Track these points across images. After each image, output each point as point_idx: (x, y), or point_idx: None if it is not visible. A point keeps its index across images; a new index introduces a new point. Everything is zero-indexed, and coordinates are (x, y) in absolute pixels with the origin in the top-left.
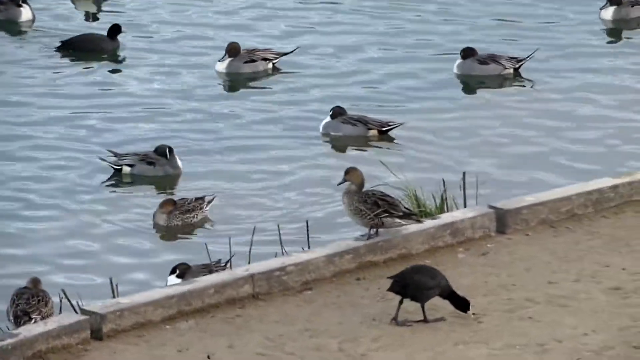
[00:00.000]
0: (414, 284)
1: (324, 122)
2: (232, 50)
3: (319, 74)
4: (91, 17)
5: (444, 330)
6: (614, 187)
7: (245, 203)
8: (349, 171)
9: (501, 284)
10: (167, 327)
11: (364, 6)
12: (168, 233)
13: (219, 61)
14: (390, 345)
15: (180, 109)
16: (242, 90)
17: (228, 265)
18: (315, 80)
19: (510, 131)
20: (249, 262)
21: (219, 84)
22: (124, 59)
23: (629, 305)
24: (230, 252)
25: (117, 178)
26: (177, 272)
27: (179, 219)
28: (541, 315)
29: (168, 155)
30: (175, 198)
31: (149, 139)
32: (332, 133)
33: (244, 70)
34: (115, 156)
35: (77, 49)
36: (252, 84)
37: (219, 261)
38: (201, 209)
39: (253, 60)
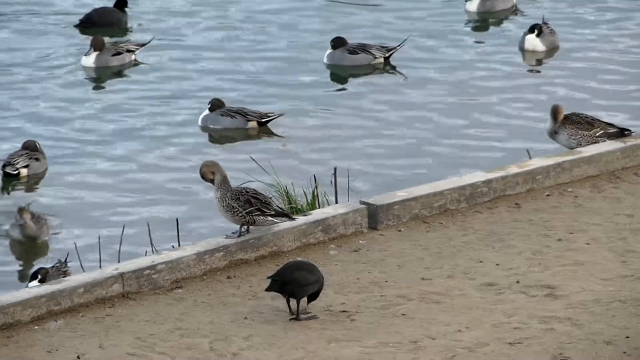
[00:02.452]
0: (294, 281)
1: (202, 114)
2: (98, 44)
3: (183, 68)
4: None
5: (316, 328)
6: (487, 182)
7: (115, 199)
8: (202, 173)
9: (374, 281)
10: (37, 327)
11: None
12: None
13: (85, 55)
14: (262, 344)
15: (46, 106)
16: (111, 82)
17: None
18: (183, 73)
19: (382, 123)
20: (118, 261)
21: (87, 78)
22: None
23: (503, 302)
24: (99, 251)
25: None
26: (39, 276)
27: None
28: (414, 312)
29: (39, 149)
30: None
31: (9, 138)
32: (211, 126)
33: (113, 63)
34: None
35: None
36: (121, 77)
37: (64, 262)
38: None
39: (119, 53)
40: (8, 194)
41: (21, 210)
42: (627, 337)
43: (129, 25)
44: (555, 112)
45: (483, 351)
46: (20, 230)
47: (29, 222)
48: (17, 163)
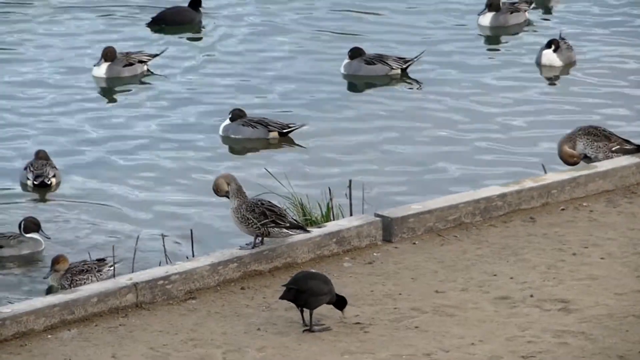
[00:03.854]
0: (308, 290)
1: (223, 124)
2: (109, 54)
3: (192, 81)
4: None
5: (330, 340)
6: (502, 196)
7: (130, 209)
8: (216, 187)
9: (387, 293)
10: (50, 336)
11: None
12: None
13: (95, 66)
14: (275, 355)
15: (56, 112)
16: (123, 94)
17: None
18: (200, 84)
19: (398, 135)
20: (132, 271)
21: (98, 89)
22: None
23: (517, 315)
24: (113, 260)
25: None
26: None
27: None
28: (428, 325)
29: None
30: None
31: (25, 147)
32: (232, 136)
33: (124, 74)
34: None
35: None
36: (132, 87)
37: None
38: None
39: (131, 64)
40: (44, 203)
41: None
42: None
43: (203, 24)
44: (563, 158)
45: None
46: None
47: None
48: (48, 174)
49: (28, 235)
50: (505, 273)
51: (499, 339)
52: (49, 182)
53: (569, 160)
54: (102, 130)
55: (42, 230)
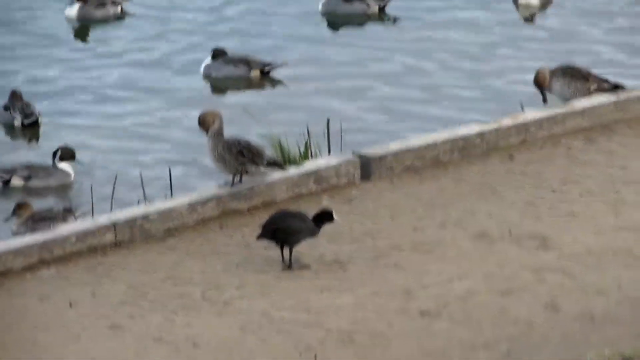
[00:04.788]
0: (287, 228)
1: (204, 63)
2: None
3: (168, 20)
4: None
5: (309, 277)
6: (481, 134)
7: (108, 149)
8: (202, 120)
9: (366, 232)
10: (28, 275)
11: None
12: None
13: (68, 6)
14: (254, 293)
15: (27, 54)
16: (98, 34)
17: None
18: (176, 23)
19: (377, 75)
20: (111, 210)
21: (71, 29)
22: None
23: (495, 252)
24: (92, 200)
25: None
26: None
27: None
28: (407, 262)
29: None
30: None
31: None
32: (214, 74)
33: (96, 15)
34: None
35: None
36: (108, 28)
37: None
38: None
39: (103, 4)
40: (37, 142)
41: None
42: (619, 286)
43: None
44: (538, 80)
45: (475, 300)
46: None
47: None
48: (34, 110)
49: (61, 165)
50: (484, 210)
51: (477, 276)
52: (39, 121)
53: (542, 84)
54: (76, 73)
55: (77, 159)
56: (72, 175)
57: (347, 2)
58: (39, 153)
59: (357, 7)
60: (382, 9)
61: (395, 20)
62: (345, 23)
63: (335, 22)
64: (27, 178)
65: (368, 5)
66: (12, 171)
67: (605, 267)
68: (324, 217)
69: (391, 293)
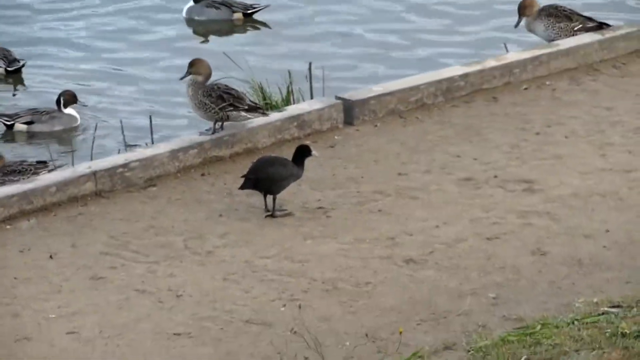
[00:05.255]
0: (269, 177)
1: (186, 6)
2: None
3: None
4: None
5: (292, 225)
6: (464, 76)
7: (87, 95)
8: (193, 63)
9: (350, 177)
10: (8, 227)
11: None
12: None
13: None
14: (237, 241)
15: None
16: None
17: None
18: None
19: (359, 18)
20: (91, 159)
21: None
22: None
23: (481, 196)
24: (72, 148)
25: None
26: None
27: None
28: (391, 208)
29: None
30: None
31: None
32: (196, 17)
33: None
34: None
35: None
36: None
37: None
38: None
39: None
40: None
41: None
42: (607, 230)
43: None
44: (521, 7)
45: (461, 247)
46: None
47: None
48: (16, 56)
49: (66, 110)
50: (469, 154)
51: (463, 221)
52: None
53: (524, 11)
54: (54, 22)
55: (79, 101)
56: (79, 119)
57: None
58: (26, 98)
59: None
60: None
61: None
62: None
63: None
64: (30, 123)
65: None
66: (15, 116)
67: (593, 211)
68: (303, 153)
69: (375, 240)
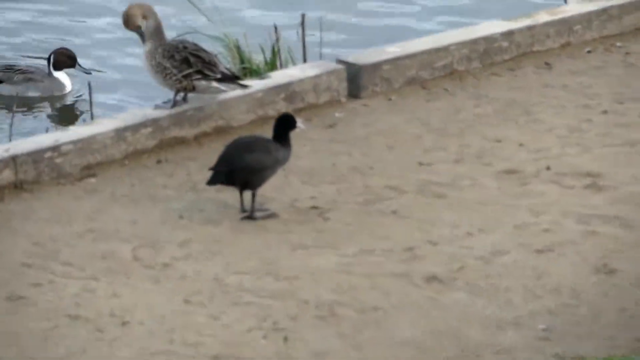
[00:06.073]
0: (244, 167)
1: None
2: None
3: None
4: None
5: (277, 230)
6: (508, 34)
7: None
8: (127, 18)
9: (354, 167)
10: None
11: None
12: None
13: None
14: (202, 252)
15: None
16: None
17: None
18: None
19: None
20: (9, 140)
21: None
22: None
23: (529, 195)
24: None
25: None
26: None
27: None
28: (409, 210)
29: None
30: None
31: None
32: None
33: None
34: None
35: None
36: None
37: None
38: None
39: None
40: None
41: None
42: None
43: None
44: None
45: (501, 261)
46: None
47: None
48: None
49: (56, 73)
50: (513, 139)
51: (504, 227)
52: None
53: None
54: None
55: (79, 65)
56: (67, 87)
57: None
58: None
59: None
60: None
61: None
62: None
63: None
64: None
65: None
66: None
67: None
68: (287, 125)
69: (388, 252)
